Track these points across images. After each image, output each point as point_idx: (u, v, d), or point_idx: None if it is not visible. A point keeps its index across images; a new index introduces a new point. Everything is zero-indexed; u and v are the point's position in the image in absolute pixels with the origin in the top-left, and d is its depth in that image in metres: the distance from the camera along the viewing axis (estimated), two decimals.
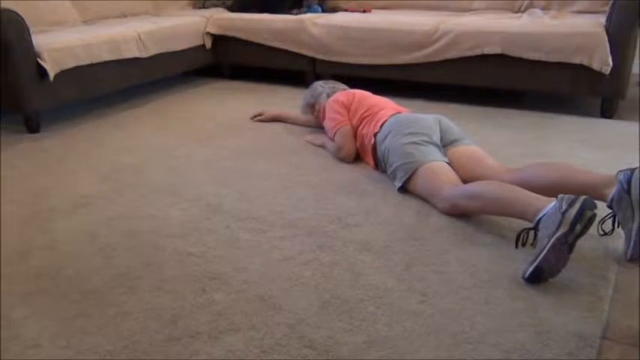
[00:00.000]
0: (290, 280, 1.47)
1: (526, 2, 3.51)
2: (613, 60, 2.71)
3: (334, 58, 3.42)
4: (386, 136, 2.07)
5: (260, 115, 2.92)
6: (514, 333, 1.25)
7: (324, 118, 2.49)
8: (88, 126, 2.94)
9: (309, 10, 3.86)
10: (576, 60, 2.78)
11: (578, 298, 1.37)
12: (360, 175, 2.18)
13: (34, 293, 1.45)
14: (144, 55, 3.26)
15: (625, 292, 1.40)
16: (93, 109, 3.26)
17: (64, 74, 2.81)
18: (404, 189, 1.98)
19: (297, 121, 2.84)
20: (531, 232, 1.52)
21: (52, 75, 2.73)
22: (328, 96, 2.55)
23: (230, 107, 3.23)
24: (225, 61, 3.97)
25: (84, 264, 1.58)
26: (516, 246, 1.56)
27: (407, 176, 1.94)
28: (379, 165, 2.16)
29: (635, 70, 3.24)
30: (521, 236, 1.54)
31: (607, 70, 2.72)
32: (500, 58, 2.96)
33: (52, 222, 1.84)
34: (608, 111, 2.87)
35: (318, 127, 2.77)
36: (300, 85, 3.68)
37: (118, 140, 2.68)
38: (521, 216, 1.57)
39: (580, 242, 1.62)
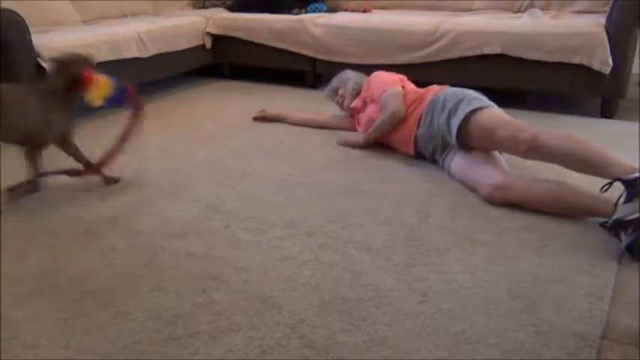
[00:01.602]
0: (290, 280, 1.47)
1: (526, 2, 3.51)
2: (613, 60, 2.71)
3: (334, 58, 3.42)
4: (448, 89, 2.22)
5: (262, 111, 2.93)
6: (514, 333, 1.25)
7: (349, 105, 2.61)
8: (87, 126, 2.94)
9: (313, 7, 3.86)
10: (576, 60, 2.78)
11: (578, 298, 1.37)
12: (360, 175, 2.18)
13: (34, 293, 1.44)
14: (144, 55, 3.26)
15: (625, 292, 1.40)
16: (92, 109, 3.26)
17: None
18: (461, 128, 2.02)
19: (299, 121, 2.84)
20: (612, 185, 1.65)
21: None
22: (355, 83, 2.62)
23: (230, 107, 3.23)
24: (225, 61, 3.97)
25: (84, 264, 1.58)
26: (601, 190, 1.66)
27: (477, 106, 2.01)
28: (425, 113, 2.20)
29: (635, 70, 3.24)
30: (607, 185, 1.66)
31: (607, 70, 2.72)
32: (500, 58, 2.96)
33: (52, 222, 1.84)
34: (608, 111, 2.87)
35: (320, 127, 2.77)
36: (300, 85, 3.69)
37: None
38: (608, 167, 1.68)
39: (579, 242, 1.63)
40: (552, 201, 1.78)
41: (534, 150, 1.84)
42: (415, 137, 2.25)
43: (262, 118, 2.91)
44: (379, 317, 1.31)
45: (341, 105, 2.68)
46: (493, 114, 2.02)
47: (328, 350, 1.21)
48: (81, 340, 1.26)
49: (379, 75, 2.51)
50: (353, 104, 2.59)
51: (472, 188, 1.97)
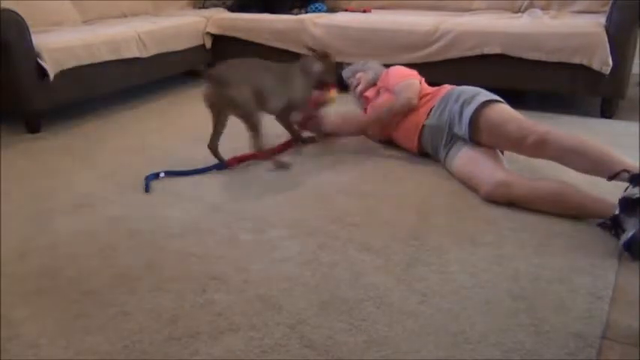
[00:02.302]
0: (290, 280, 1.47)
1: (526, 2, 3.51)
2: (613, 60, 2.71)
3: (334, 58, 3.41)
4: (463, 86, 2.25)
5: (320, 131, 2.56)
6: (514, 333, 1.25)
7: (362, 90, 2.62)
8: (88, 126, 2.94)
9: (313, 7, 3.86)
10: (576, 60, 2.78)
11: (578, 298, 1.37)
12: (360, 175, 2.18)
13: (34, 293, 1.45)
14: (144, 55, 3.26)
15: (625, 292, 1.40)
16: (93, 109, 3.26)
17: (64, 74, 2.81)
18: (473, 120, 2.03)
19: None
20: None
21: (52, 75, 2.73)
22: (375, 74, 2.64)
23: None
24: None
25: (84, 264, 1.58)
26: (609, 179, 1.68)
27: (493, 99, 2.06)
28: (437, 104, 2.22)
29: (635, 70, 3.24)
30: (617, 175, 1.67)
31: (607, 70, 2.72)
32: (500, 58, 2.96)
33: (52, 222, 1.84)
34: (608, 111, 2.87)
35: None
36: None
37: (118, 140, 2.68)
38: (613, 166, 1.68)
39: (579, 242, 1.63)
40: (552, 200, 1.78)
41: (544, 143, 1.84)
42: (421, 130, 2.25)
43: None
44: (379, 317, 1.31)
45: (354, 88, 2.70)
46: (507, 109, 2.06)
47: (328, 350, 1.21)
48: (81, 340, 1.26)
49: (398, 68, 2.54)
50: (367, 93, 2.60)
51: (473, 185, 1.97)
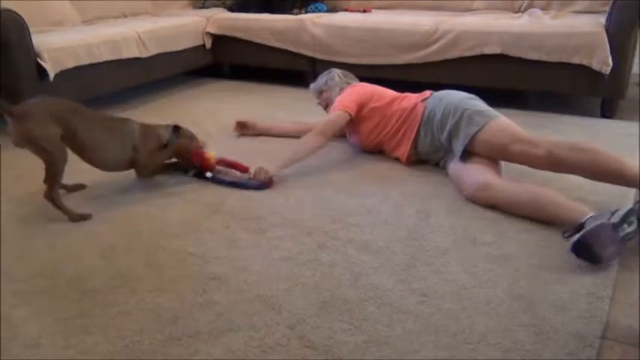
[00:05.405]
0: (290, 280, 1.48)
1: (526, 2, 3.51)
2: (613, 60, 2.71)
3: (334, 58, 3.42)
4: (441, 100, 2.11)
5: (244, 126, 2.69)
6: (514, 333, 1.25)
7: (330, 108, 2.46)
8: None
9: (313, 7, 3.87)
10: (576, 60, 2.78)
11: (578, 298, 1.37)
12: (360, 175, 2.18)
13: (34, 293, 1.45)
14: (144, 55, 3.26)
15: (625, 292, 1.41)
16: (93, 109, 3.26)
17: (64, 74, 2.81)
18: (466, 150, 1.97)
19: (289, 133, 2.63)
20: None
21: (52, 75, 2.73)
22: (341, 90, 2.48)
23: (230, 107, 3.23)
24: (225, 61, 3.97)
25: (84, 264, 1.58)
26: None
27: (481, 124, 1.93)
28: (423, 133, 2.14)
29: (635, 70, 3.24)
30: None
31: (607, 70, 2.72)
32: (500, 58, 2.96)
33: (51, 222, 1.84)
34: (608, 111, 2.87)
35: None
36: (299, 85, 3.68)
37: None
38: (622, 173, 1.72)
39: None
40: (529, 207, 1.76)
41: (551, 166, 1.83)
42: (417, 151, 2.22)
43: (242, 126, 2.70)
44: (379, 317, 1.32)
45: (324, 108, 2.59)
46: (499, 128, 1.93)
47: (328, 350, 1.21)
48: (81, 340, 1.26)
49: (352, 89, 2.41)
50: None
51: (459, 188, 1.97)
